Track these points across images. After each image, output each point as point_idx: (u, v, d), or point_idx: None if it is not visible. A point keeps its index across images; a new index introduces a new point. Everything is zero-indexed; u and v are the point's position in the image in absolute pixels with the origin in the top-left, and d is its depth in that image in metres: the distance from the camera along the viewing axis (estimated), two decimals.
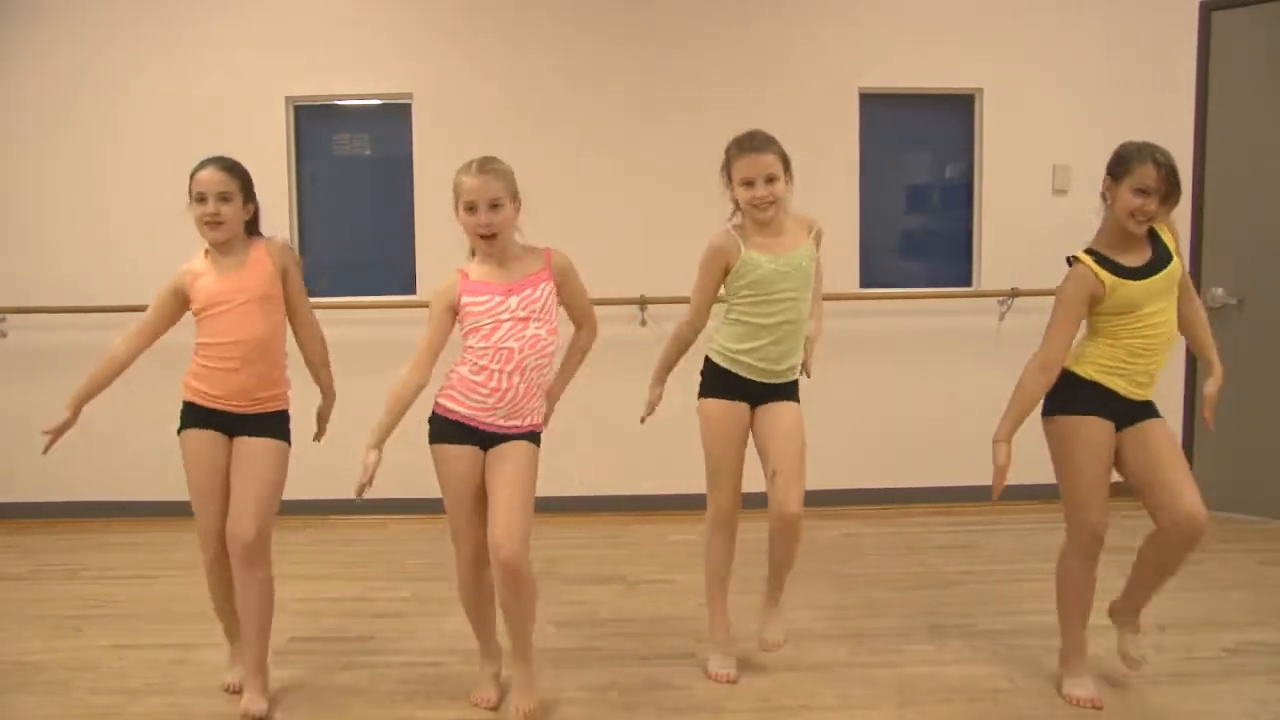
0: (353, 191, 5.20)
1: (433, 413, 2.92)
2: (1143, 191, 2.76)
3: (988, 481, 4.58)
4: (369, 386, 4.80)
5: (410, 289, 5.09)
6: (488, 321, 2.81)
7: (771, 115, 5.07)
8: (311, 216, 5.18)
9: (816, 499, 5.07)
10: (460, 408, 2.86)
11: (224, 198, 2.94)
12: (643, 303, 4.98)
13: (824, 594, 3.89)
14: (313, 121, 5.18)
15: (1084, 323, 2.93)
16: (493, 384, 2.81)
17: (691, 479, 5.04)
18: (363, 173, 5.25)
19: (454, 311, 2.85)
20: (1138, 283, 2.81)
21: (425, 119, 5.06)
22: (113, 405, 5.09)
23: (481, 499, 2.88)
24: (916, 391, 5.20)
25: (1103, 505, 3.04)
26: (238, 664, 3.08)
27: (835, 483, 5.19)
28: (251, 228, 3.08)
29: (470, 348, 2.84)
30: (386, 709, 2.97)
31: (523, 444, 2.88)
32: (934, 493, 5.20)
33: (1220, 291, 4.88)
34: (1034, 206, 5.04)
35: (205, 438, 3.08)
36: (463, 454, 2.86)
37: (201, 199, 2.95)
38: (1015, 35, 5.09)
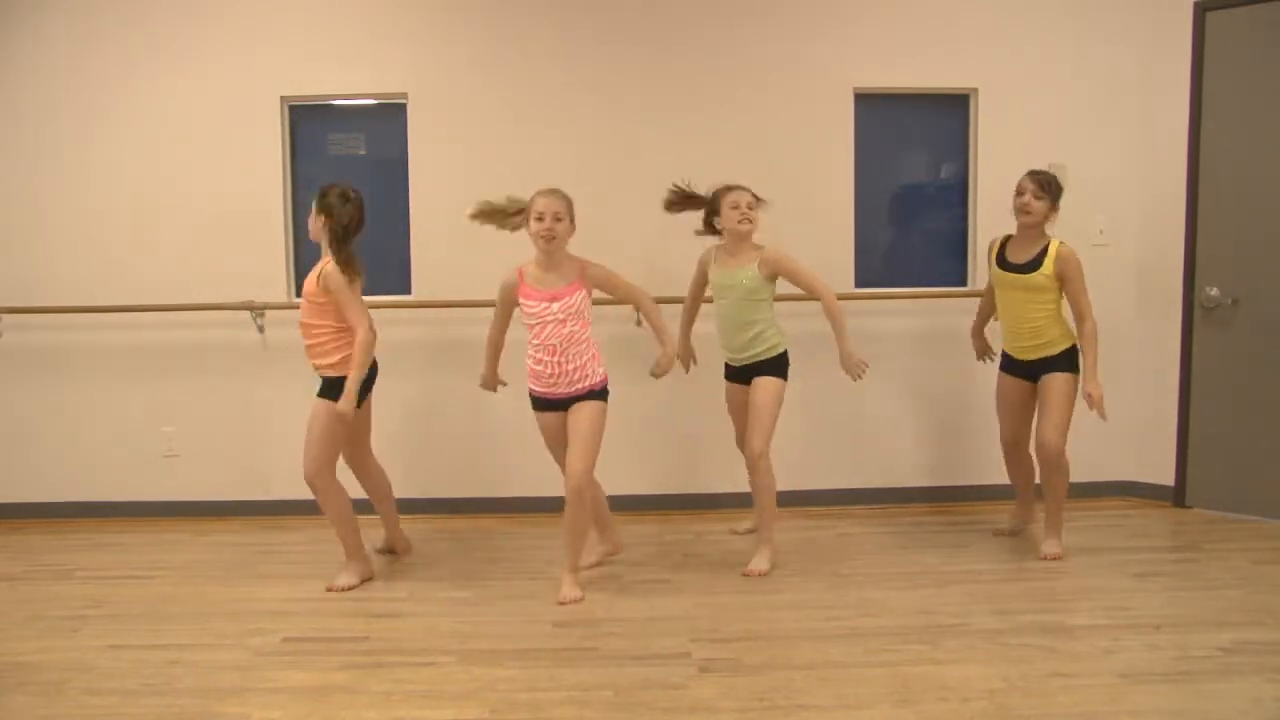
0: None
1: (529, 393, 3.97)
2: (1020, 192, 4.12)
3: (983, 481, 4.63)
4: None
5: (405, 289, 5.09)
6: (536, 323, 3.84)
7: (767, 115, 5.12)
8: (306, 217, 5.15)
9: (812, 499, 5.12)
10: (538, 388, 3.92)
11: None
12: None
13: (820, 593, 3.90)
14: (307, 121, 5.17)
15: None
16: (548, 371, 3.84)
17: (687, 479, 5.08)
18: (358, 172, 5.23)
19: (515, 303, 3.92)
20: (999, 269, 4.22)
21: (420, 119, 5.06)
22: (108, 406, 5.12)
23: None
24: (912, 391, 5.21)
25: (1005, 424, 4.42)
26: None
27: (831, 482, 5.21)
28: (345, 238, 3.94)
29: (529, 342, 3.88)
30: (382, 709, 2.96)
31: (589, 403, 3.86)
32: (930, 492, 5.21)
33: (1215, 291, 4.89)
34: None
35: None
36: (548, 417, 3.95)
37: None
38: (1010, 35, 5.10)
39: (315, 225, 3.96)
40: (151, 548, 4.68)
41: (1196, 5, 4.88)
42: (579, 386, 3.86)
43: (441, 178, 5.04)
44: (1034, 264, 4.12)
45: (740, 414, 4.31)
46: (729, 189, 4.17)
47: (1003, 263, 4.22)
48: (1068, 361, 4.18)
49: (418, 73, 5.03)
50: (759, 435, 4.10)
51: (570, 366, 3.82)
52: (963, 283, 5.23)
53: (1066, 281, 4.10)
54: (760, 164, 4.95)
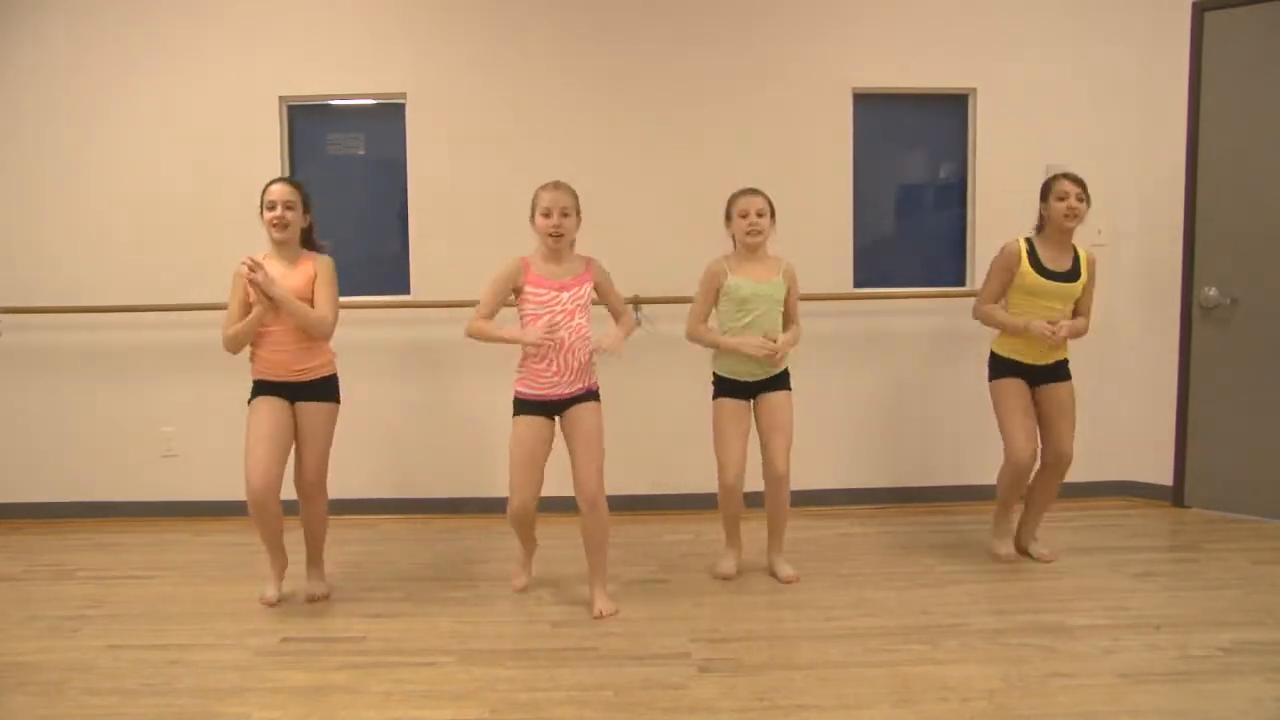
0: (346, 191, 5.18)
1: (514, 397, 3.74)
2: (1063, 197, 4.00)
3: (982, 481, 4.62)
4: (365, 389, 4.82)
5: (404, 289, 5.09)
6: (545, 311, 3.65)
7: (766, 116, 5.12)
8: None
9: (812, 499, 5.12)
10: (534, 391, 3.70)
11: (289, 206, 3.73)
12: (637, 303, 4.97)
13: (820, 594, 3.90)
14: (306, 121, 5.17)
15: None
16: (554, 369, 3.66)
17: (687, 479, 5.08)
18: (356, 173, 5.24)
19: (515, 290, 3.71)
20: (1042, 279, 4.03)
21: (419, 119, 5.06)
22: (107, 406, 5.12)
23: (541, 461, 3.70)
24: (911, 391, 5.21)
25: (1026, 435, 4.12)
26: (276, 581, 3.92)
27: (830, 483, 5.21)
28: (307, 236, 3.87)
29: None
30: (382, 709, 2.96)
31: (590, 405, 3.73)
32: (929, 492, 5.21)
33: (1213, 291, 4.89)
34: (1027, 206, 5.04)
35: (266, 401, 3.77)
36: (534, 424, 3.69)
37: (272, 206, 3.72)
38: (1008, 35, 5.11)
39: (301, 220, 3.81)
40: (151, 548, 4.68)
41: (1195, 5, 4.88)
42: (579, 386, 3.72)
43: (440, 178, 5.05)
44: (1074, 272, 4.07)
45: (741, 434, 4.00)
46: (739, 195, 3.99)
47: (1043, 271, 4.04)
48: (1068, 366, 4.19)
49: (417, 73, 5.04)
50: (787, 452, 3.98)
51: (575, 364, 3.67)
52: (961, 282, 5.24)
53: (1088, 285, 4.12)
54: (759, 163, 4.95)
